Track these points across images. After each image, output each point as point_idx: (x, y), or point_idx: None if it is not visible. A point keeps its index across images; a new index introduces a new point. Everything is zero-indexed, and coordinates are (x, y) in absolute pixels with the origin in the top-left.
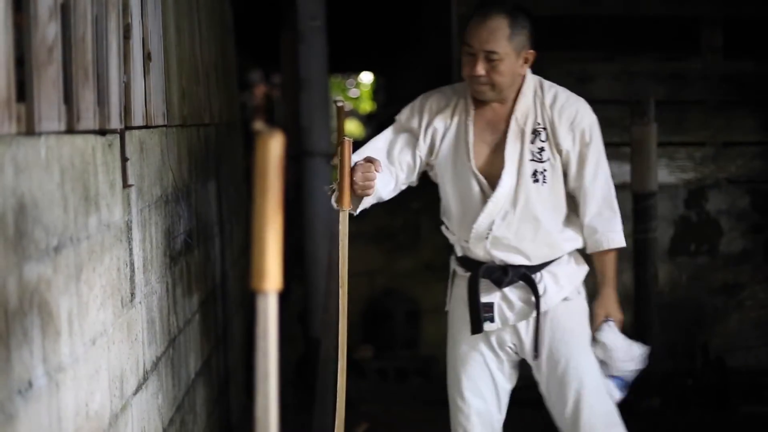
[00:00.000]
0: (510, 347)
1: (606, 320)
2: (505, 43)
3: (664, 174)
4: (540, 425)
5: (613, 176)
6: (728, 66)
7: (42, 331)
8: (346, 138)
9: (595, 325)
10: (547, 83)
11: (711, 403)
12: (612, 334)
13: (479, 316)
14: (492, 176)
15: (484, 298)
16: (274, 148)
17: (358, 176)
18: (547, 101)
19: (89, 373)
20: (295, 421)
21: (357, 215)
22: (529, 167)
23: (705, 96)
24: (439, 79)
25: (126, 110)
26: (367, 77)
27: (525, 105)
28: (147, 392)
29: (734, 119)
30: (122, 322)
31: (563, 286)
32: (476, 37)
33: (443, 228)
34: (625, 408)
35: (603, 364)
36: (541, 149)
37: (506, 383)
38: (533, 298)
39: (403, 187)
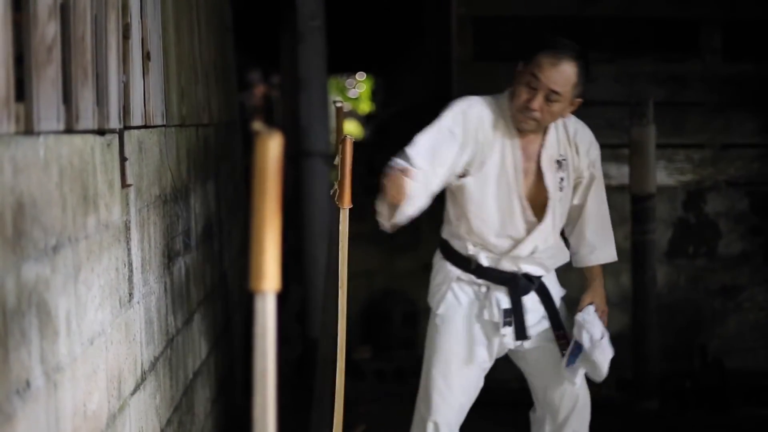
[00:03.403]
0: (510, 350)
1: (590, 304)
2: (569, 89)
3: (662, 176)
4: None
5: (612, 178)
6: (727, 68)
7: (40, 331)
8: (348, 136)
9: (580, 306)
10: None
11: (709, 404)
12: (592, 315)
13: (524, 323)
14: (532, 202)
15: (503, 305)
16: (272, 148)
17: (392, 186)
18: (570, 133)
19: (87, 374)
20: (293, 422)
21: (353, 212)
22: (557, 196)
23: (704, 98)
24: (439, 80)
25: (125, 110)
26: (365, 77)
27: (553, 137)
28: (145, 392)
29: (733, 121)
30: (120, 322)
31: (557, 286)
32: (546, 75)
33: (453, 237)
34: (623, 409)
35: (573, 341)
36: (562, 178)
37: (482, 382)
38: (539, 300)
39: (437, 190)
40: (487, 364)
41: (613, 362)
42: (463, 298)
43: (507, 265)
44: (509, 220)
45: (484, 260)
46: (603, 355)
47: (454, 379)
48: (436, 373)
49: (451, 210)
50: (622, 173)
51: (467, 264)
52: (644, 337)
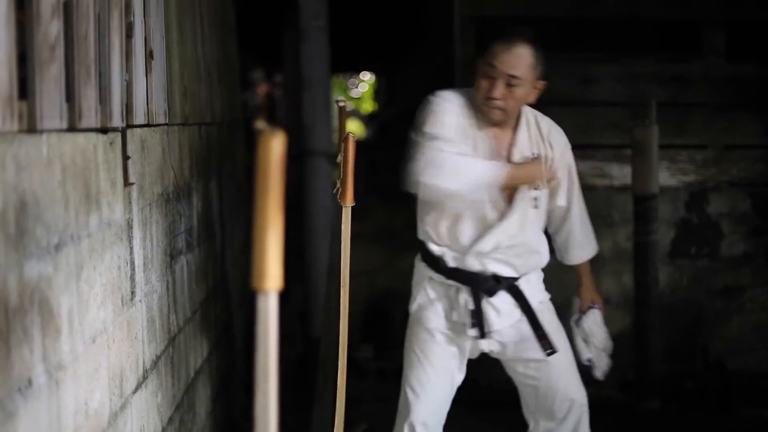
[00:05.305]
0: (483, 352)
1: (592, 306)
2: (527, 71)
3: (665, 176)
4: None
5: (615, 178)
6: (730, 69)
7: (42, 329)
8: (350, 134)
9: (583, 308)
10: (538, 113)
11: (711, 405)
12: (597, 320)
13: (482, 322)
14: (500, 201)
15: (471, 306)
16: (275, 147)
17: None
18: (544, 131)
19: (89, 372)
20: (295, 421)
21: (355, 212)
22: (529, 194)
23: (707, 98)
24: (442, 79)
25: (128, 108)
26: (368, 77)
27: (524, 134)
28: (146, 391)
29: (736, 122)
30: (122, 320)
31: (538, 290)
32: (501, 61)
33: (424, 238)
34: (624, 410)
35: (581, 346)
36: None
37: (460, 378)
38: (515, 303)
39: None
40: (460, 363)
41: (615, 363)
42: (435, 297)
43: (473, 264)
44: (475, 219)
45: (451, 260)
46: (604, 362)
47: (428, 378)
48: (410, 373)
49: (423, 206)
50: (624, 174)
51: (437, 264)
52: (646, 338)
